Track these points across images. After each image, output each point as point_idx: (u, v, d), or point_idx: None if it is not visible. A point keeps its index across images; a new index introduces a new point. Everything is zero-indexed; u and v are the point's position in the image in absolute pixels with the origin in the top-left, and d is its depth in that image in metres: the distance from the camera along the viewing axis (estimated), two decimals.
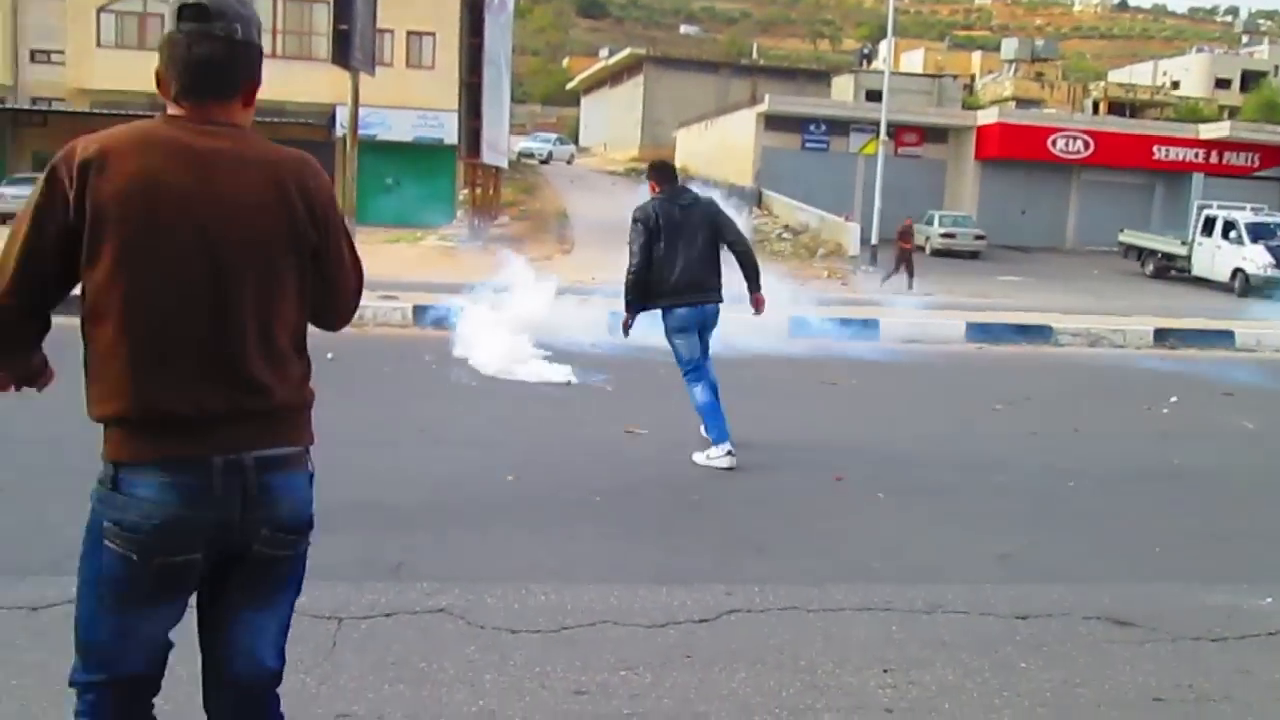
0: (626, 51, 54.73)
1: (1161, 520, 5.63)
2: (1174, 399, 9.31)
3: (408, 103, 30.06)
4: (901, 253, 22.81)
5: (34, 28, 31.97)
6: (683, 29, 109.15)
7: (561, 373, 9.10)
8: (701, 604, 4.02)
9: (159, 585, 1.90)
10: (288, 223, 1.94)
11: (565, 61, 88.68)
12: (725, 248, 6.58)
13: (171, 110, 1.95)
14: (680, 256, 6.29)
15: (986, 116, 37.31)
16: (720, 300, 6.52)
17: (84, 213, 1.81)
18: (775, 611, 4.01)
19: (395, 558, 4.26)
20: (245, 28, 1.92)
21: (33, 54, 31.99)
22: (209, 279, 1.86)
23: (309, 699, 3.16)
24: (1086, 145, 35.65)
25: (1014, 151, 35.00)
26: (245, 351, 1.89)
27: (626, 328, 6.61)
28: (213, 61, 1.90)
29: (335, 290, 2.08)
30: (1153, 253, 29.61)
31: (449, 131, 30.40)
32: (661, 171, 6.63)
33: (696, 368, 6.44)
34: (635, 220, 6.37)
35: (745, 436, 6.51)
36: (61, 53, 31.26)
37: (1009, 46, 64.58)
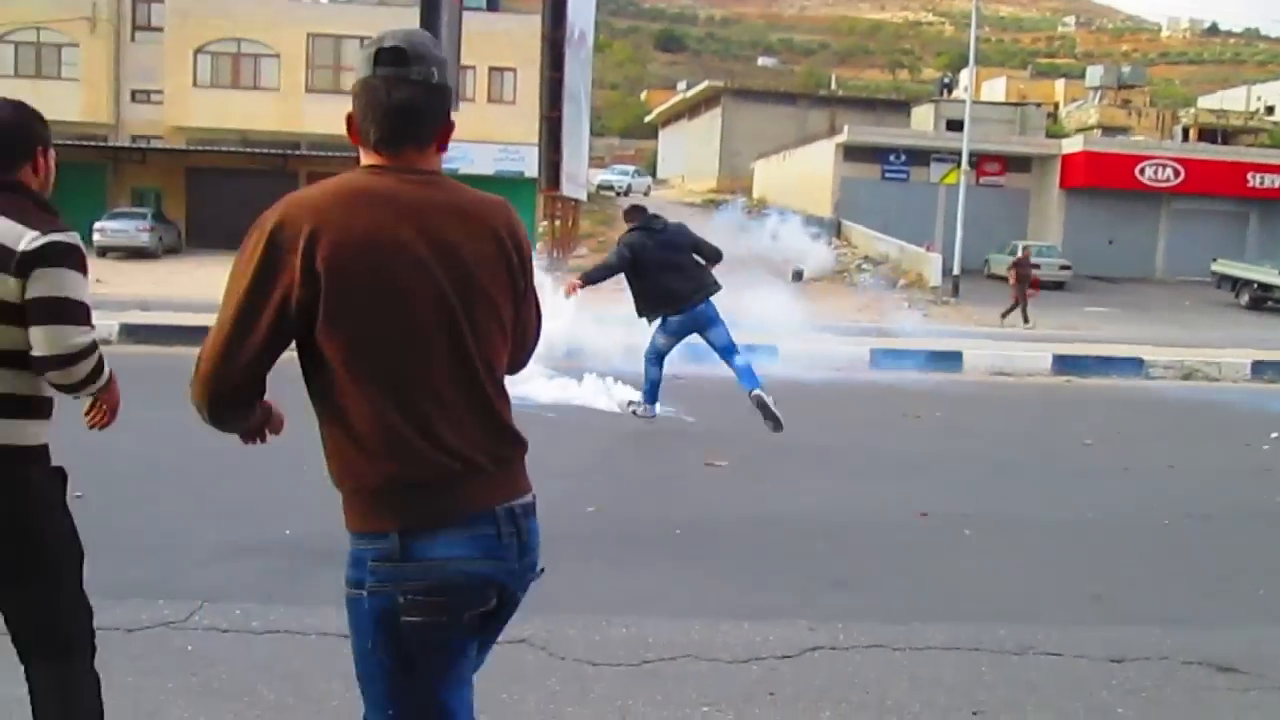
0: (704, 84, 54.97)
1: (1264, 561, 5.40)
2: (1275, 435, 8.97)
3: (489, 137, 30.61)
4: (1019, 287, 22.40)
5: (135, 69, 33.36)
6: (760, 61, 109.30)
7: (589, 394, 9.22)
8: (784, 640, 3.96)
9: (467, 637, 1.86)
10: (505, 269, 1.93)
11: (643, 95, 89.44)
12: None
13: (369, 159, 1.89)
14: (671, 272, 7.72)
15: (1071, 145, 36.63)
16: (710, 294, 7.83)
17: (314, 278, 1.74)
18: (860, 649, 3.93)
19: None
20: (440, 71, 1.89)
21: (133, 94, 33.35)
22: (447, 332, 1.82)
23: None
24: (1176, 173, 34.78)
25: (1101, 180, 34.30)
26: (491, 399, 1.87)
27: (572, 290, 8.12)
28: (412, 107, 1.86)
29: (527, 333, 2.06)
30: (1248, 283, 28.69)
31: (529, 165, 30.85)
32: (636, 211, 8.20)
33: (660, 357, 7.98)
34: (624, 244, 7.85)
35: (824, 469, 6.43)
36: (160, 92, 32.54)
37: (1094, 73, 63.35)
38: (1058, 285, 29.99)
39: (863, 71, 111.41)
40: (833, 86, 69.78)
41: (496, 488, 1.85)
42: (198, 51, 32.70)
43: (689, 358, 11.27)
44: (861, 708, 3.44)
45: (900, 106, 51.55)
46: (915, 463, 7.56)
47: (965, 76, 39.00)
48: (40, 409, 2.36)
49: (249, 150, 31.93)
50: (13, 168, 2.34)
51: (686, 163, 55.70)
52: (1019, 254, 23.01)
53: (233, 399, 1.85)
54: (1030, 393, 11.75)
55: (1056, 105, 64.96)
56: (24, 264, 2.23)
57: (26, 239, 2.25)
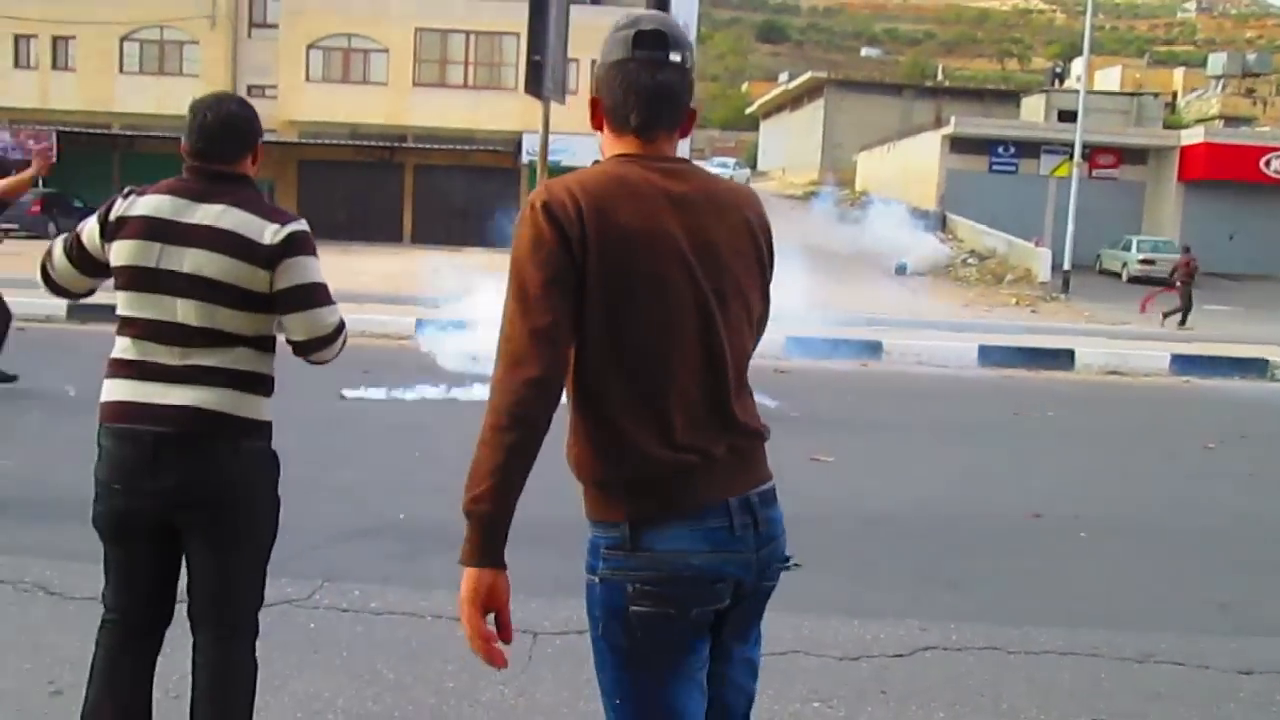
0: (807, 75, 54.40)
1: None
2: None
3: (591, 129, 30.80)
4: (1186, 286, 21.23)
5: (251, 65, 34.44)
6: (864, 52, 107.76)
7: None
8: (895, 638, 3.92)
9: (696, 634, 1.82)
10: (756, 261, 1.89)
11: (744, 86, 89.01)
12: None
13: (619, 145, 1.85)
14: None
15: (1191, 136, 35.25)
16: None
17: (587, 264, 1.71)
18: (973, 651, 3.87)
19: None
20: (691, 56, 1.86)
21: (249, 88, 34.37)
22: (700, 327, 1.79)
23: (507, 710, 3.25)
24: None
25: (1222, 173, 32.92)
26: (730, 394, 1.83)
27: None
28: (672, 90, 1.82)
29: (764, 325, 1.99)
30: None
31: None
32: None
33: None
34: None
35: (931, 466, 6.33)
36: (274, 87, 33.52)
37: (1216, 61, 60.84)
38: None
39: (970, 61, 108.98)
40: (939, 77, 68.47)
41: (731, 479, 1.82)
42: (310, 47, 33.58)
43: (793, 350, 11.22)
44: (977, 710, 3.39)
45: (1009, 97, 50.25)
46: (1026, 462, 7.39)
47: (1078, 65, 37.82)
48: (271, 387, 2.51)
49: (357, 143, 32.72)
50: (239, 160, 2.47)
51: (787, 155, 55.25)
52: (1185, 259, 21.53)
53: (556, 397, 1.73)
54: (1146, 393, 11.37)
55: (1175, 95, 62.63)
56: (272, 256, 2.37)
57: (269, 231, 2.38)
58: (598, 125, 1.88)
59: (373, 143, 32.71)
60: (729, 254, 1.84)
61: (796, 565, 1.95)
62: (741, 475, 1.85)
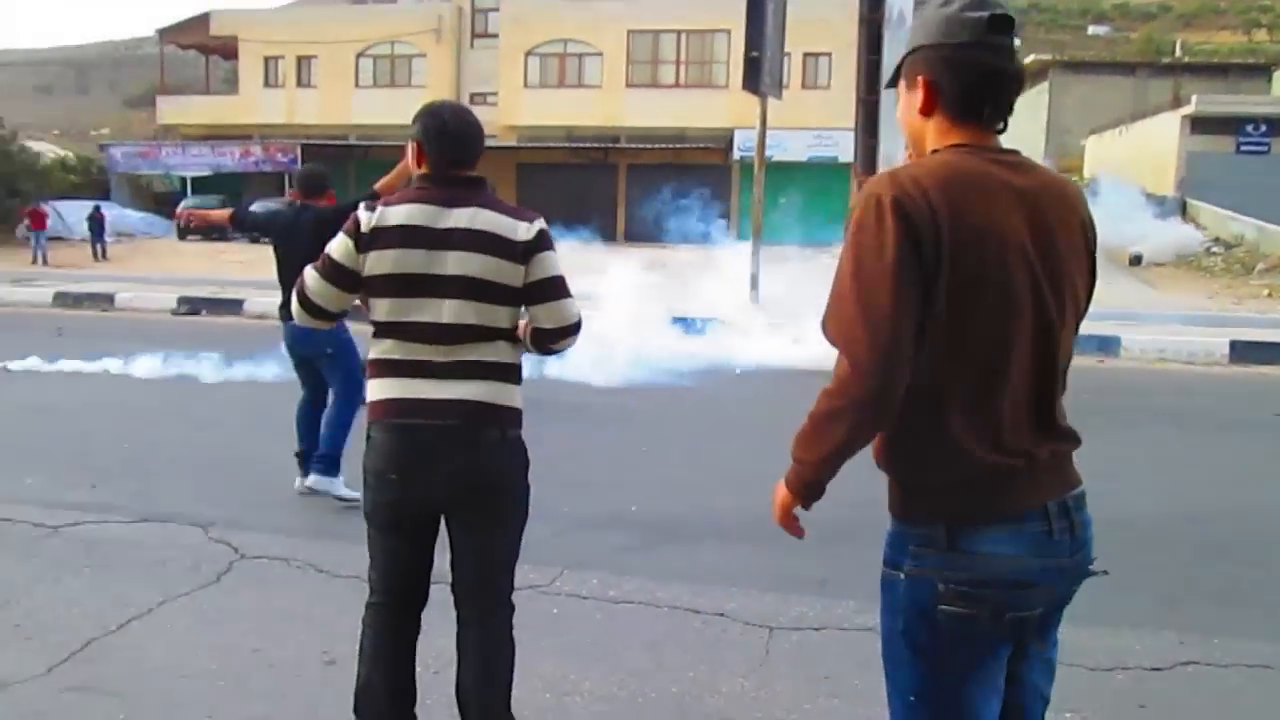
0: (1031, 58, 51.88)
1: None
2: None
3: (802, 123, 30.51)
4: None
5: (474, 74, 36.08)
6: (1091, 30, 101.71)
7: None
8: (1152, 651, 3.70)
9: (1003, 639, 1.78)
10: (1087, 261, 1.82)
11: None
12: None
13: (955, 136, 1.78)
14: None
15: None
16: None
17: (940, 264, 1.65)
18: (1242, 668, 3.59)
19: (819, 573, 4.29)
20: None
21: (472, 97, 36.01)
22: (1038, 329, 1.72)
23: (749, 703, 3.26)
24: None
25: None
26: (1056, 397, 1.79)
27: None
28: (1021, 80, 1.78)
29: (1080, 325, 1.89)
30: None
31: (843, 150, 30.42)
32: None
33: None
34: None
35: (1181, 469, 5.91)
36: (495, 94, 34.95)
37: None
38: None
39: (1213, 35, 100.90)
40: (1176, 53, 63.88)
41: (1050, 483, 1.77)
42: (528, 54, 34.84)
43: None
44: None
45: (1258, 71, 46.28)
46: None
47: None
48: (522, 377, 2.67)
49: (573, 145, 33.66)
50: (475, 164, 2.63)
51: (1010, 141, 52.52)
52: None
53: (899, 398, 1.68)
54: None
55: None
56: (527, 251, 2.53)
57: (522, 228, 2.54)
58: (927, 111, 1.79)
59: (587, 144, 33.58)
60: (1067, 252, 1.77)
61: (1104, 572, 1.87)
62: (1059, 479, 1.79)
